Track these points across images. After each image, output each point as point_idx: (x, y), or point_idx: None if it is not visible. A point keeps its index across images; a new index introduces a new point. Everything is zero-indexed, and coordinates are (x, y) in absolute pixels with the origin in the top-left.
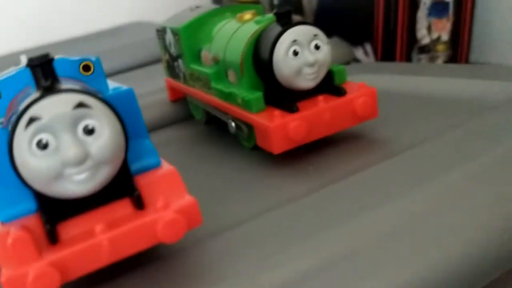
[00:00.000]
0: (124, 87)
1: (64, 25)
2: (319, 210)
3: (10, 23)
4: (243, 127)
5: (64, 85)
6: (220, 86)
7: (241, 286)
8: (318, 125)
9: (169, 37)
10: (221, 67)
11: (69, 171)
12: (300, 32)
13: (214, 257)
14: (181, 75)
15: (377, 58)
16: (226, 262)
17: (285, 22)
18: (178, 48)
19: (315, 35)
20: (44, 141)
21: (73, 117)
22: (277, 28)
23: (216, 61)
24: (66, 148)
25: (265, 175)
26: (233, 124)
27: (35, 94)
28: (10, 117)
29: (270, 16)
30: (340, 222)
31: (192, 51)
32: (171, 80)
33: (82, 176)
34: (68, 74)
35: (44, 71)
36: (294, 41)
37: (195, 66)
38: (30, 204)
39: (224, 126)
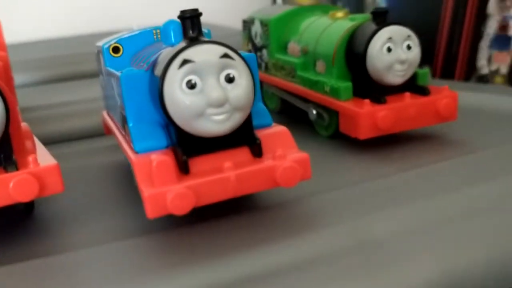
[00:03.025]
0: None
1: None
2: (408, 186)
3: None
4: (325, 114)
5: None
6: (307, 75)
7: (356, 230)
8: (403, 119)
9: (256, 27)
10: (310, 57)
11: (210, 111)
12: (396, 31)
13: (321, 209)
14: (263, 64)
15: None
16: (335, 214)
17: (381, 21)
18: (265, 38)
19: (409, 36)
20: (193, 82)
21: (219, 65)
22: (373, 26)
23: (305, 52)
24: (210, 90)
25: (350, 159)
26: (314, 111)
27: (183, 43)
28: (153, 63)
29: (363, 15)
30: (421, 198)
31: (279, 42)
32: None
33: (221, 117)
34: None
35: (192, 23)
36: (389, 38)
37: (281, 56)
38: (162, 140)
39: (297, 115)
